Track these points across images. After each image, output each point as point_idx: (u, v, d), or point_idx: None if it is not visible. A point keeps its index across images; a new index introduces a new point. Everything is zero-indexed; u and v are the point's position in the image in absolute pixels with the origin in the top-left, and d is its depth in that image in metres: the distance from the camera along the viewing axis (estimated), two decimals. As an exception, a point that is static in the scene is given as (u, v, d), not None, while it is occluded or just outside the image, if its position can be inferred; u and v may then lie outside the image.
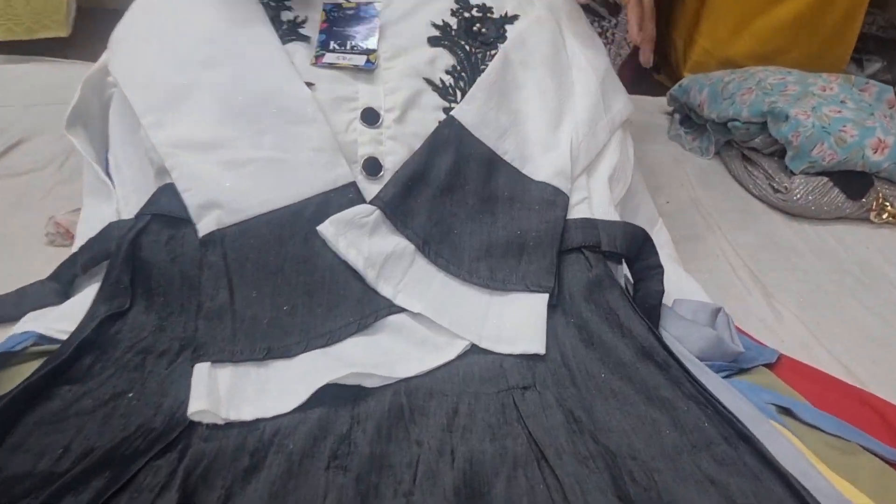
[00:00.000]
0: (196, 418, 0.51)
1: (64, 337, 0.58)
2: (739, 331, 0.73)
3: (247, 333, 0.56)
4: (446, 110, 0.68)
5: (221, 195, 0.60)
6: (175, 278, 0.59)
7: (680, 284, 0.73)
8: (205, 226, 0.59)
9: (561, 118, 0.73)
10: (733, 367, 0.65)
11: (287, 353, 0.56)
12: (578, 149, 0.72)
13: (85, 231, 0.68)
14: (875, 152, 0.95)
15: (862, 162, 0.95)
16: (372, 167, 0.64)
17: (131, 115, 0.65)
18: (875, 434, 0.59)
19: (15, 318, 0.64)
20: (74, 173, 0.89)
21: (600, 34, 1.41)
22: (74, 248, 0.68)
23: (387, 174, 0.65)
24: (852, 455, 0.56)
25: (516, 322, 0.61)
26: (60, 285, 0.66)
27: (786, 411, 0.60)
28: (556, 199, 0.68)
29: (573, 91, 0.75)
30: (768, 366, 0.67)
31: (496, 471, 0.49)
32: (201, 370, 0.53)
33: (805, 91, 1.03)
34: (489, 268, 0.64)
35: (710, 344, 0.64)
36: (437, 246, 0.64)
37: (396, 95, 0.67)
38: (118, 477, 0.46)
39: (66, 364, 0.53)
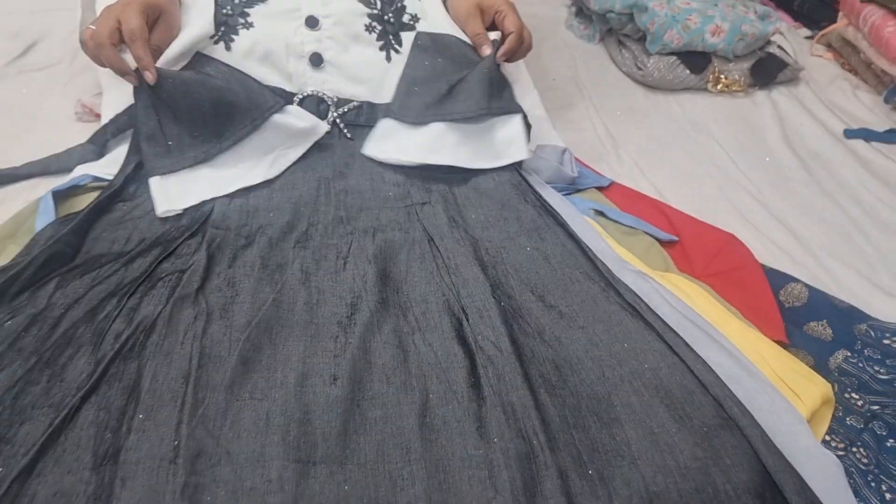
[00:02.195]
0: (164, 215, 0.79)
1: (110, 177, 0.85)
2: (586, 166, 1.02)
3: (178, 149, 0.82)
4: (369, 16, 0.93)
5: None
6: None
7: (544, 133, 1.02)
8: None
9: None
10: (572, 188, 0.95)
11: (208, 157, 0.83)
12: None
13: (111, 105, 0.93)
14: (713, 36, 1.23)
15: (702, 44, 1.23)
16: (316, 60, 0.90)
17: None
18: (658, 226, 0.90)
19: (67, 170, 0.90)
20: (84, 68, 1.13)
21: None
22: (104, 121, 0.93)
23: (327, 65, 0.91)
24: (634, 235, 0.87)
25: (505, 141, 0.89)
26: (96, 147, 0.92)
27: (601, 214, 0.90)
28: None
29: None
30: (602, 189, 0.97)
31: (402, 244, 0.79)
32: (154, 182, 0.80)
33: (666, -14, 1.29)
34: (477, 104, 0.88)
35: (553, 172, 0.93)
36: (430, 110, 0.89)
37: (330, 6, 0.92)
38: (166, 249, 0.74)
39: (119, 189, 0.81)
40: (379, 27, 0.94)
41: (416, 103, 0.90)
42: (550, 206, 0.84)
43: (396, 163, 0.88)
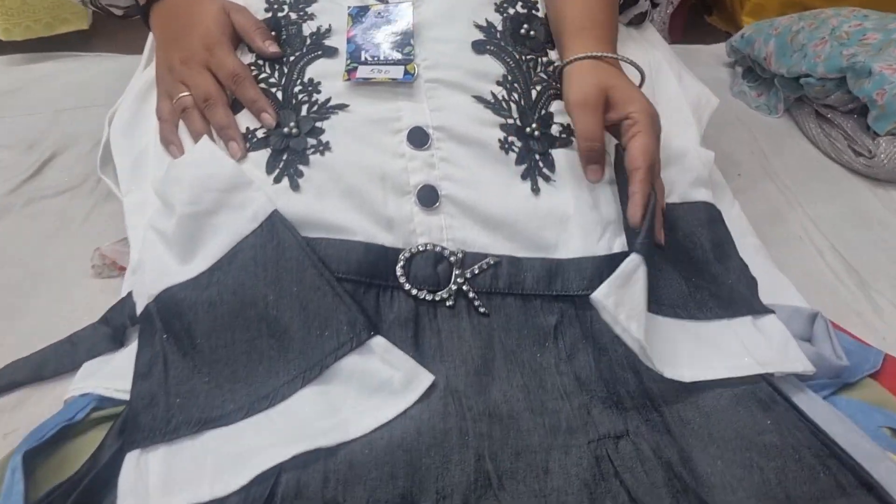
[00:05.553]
0: None
1: (122, 396, 0.55)
2: (837, 328, 0.67)
3: (182, 408, 0.51)
4: (503, 127, 0.61)
5: None
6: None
7: (769, 281, 0.66)
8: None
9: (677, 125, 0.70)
10: (836, 382, 0.60)
11: (226, 421, 0.51)
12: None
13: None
14: (972, 107, 0.86)
15: (958, 118, 0.87)
16: (427, 196, 0.59)
17: None
18: None
19: (71, 369, 0.61)
20: (110, 192, 0.85)
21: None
22: (127, 281, 0.64)
23: (444, 203, 0.59)
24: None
25: (768, 345, 0.57)
26: (112, 330, 0.62)
27: (901, 434, 0.55)
28: (712, 213, 0.67)
29: (671, 95, 0.72)
30: (876, 373, 0.62)
31: (598, 539, 0.46)
32: (129, 461, 0.49)
33: (888, 39, 0.93)
34: (714, 302, 0.60)
35: (811, 361, 0.58)
36: (668, 301, 0.58)
37: (445, 113, 0.61)
38: None
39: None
40: (519, 143, 0.62)
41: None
42: (838, 448, 0.50)
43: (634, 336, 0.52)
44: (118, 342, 0.62)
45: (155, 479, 0.48)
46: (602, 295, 0.51)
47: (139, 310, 0.57)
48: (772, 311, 0.59)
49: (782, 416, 0.52)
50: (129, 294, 0.62)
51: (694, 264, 0.61)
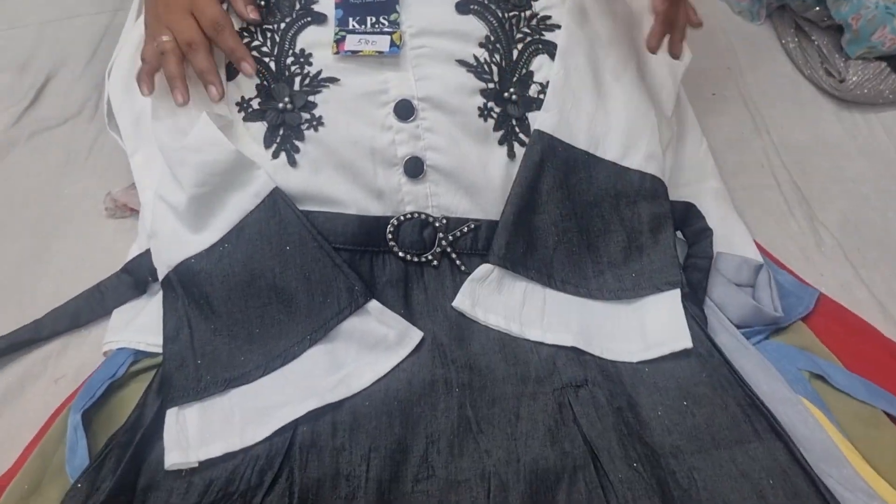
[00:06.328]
0: (175, 468, 0.56)
1: (154, 349, 0.64)
2: (780, 265, 0.75)
3: (208, 368, 0.60)
4: (483, 92, 0.65)
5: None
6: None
7: (724, 229, 0.73)
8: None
9: (641, 95, 0.72)
10: (770, 328, 0.69)
11: (248, 379, 0.60)
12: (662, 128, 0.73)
13: (149, 202, 0.68)
14: (943, 32, 0.89)
15: (927, 44, 0.89)
16: (413, 167, 0.64)
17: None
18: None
19: (102, 316, 0.70)
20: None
21: None
22: (143, 222, 0.71)
23: (429, 172, 0.64)
24: (877, 427, 0.62)
25: (658, 326, 0.65)
26: (135, 280, 0.70)
27: (818, 377, 0.65)
28: (657, 188, 0.69)
29: (647, 61, 0.74)
30: (808, 316, 0.71)
31: (558, 477, 0.56)
32: (170, 417, 0.58)
33: (873, -48, 0.93)
34: (616, 278, 0.67)
35: (750, 312, 0.67)
36: (562, 274, 0.66)
37: (430, 83, 0.64)
38: None
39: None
40: (497, 109, 0.66)
41: (580, 262, 0.67)
42: (757, 400, 0.60)
43: (495, 328, 0.64)
44: (141, 290, 0.70)
45: (193, 431, 0.58)
46: (458, 303, 0.63)
47: (160, 276, 0.64)
48: (676, 287, 0.66)
49: (715, 370, 0.62)
50: (149, 251, 0.68)
51: (625, 229, 0.68)
